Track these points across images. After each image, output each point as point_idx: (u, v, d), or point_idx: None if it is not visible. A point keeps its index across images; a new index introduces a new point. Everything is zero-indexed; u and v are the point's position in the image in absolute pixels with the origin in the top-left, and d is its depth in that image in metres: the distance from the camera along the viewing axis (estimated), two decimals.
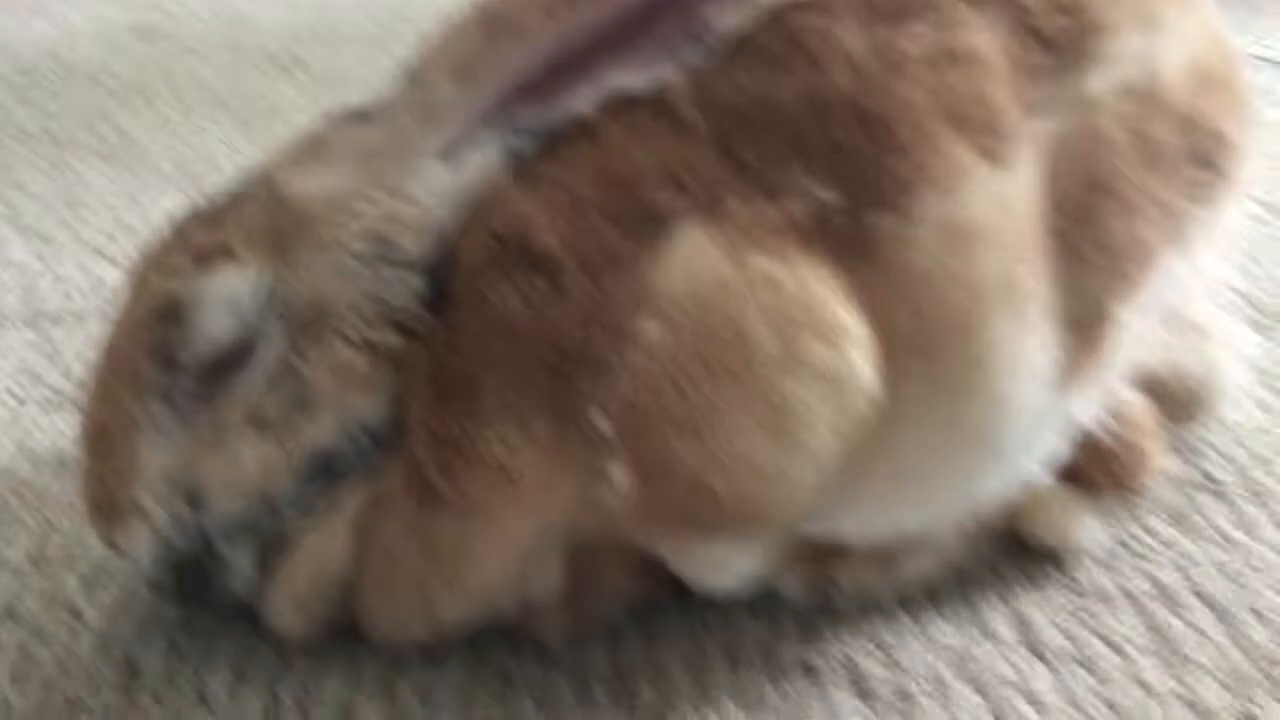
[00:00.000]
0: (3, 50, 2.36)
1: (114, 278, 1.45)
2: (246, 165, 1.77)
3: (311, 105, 2.04)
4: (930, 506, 0.86)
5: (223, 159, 1.81)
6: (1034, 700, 0.83)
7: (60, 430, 1.16)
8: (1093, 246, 0.82)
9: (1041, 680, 0.84)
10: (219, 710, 0.84)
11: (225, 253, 0.80)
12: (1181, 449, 1.03)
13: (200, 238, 0.82)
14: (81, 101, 2.07)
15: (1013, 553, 0.94)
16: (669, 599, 0.91)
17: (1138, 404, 0.93)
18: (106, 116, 2.00)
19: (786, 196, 0.77)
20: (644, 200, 0.78)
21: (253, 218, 0.81)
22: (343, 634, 0.88)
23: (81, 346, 1.30)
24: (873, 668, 0.85)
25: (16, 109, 2.03)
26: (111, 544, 0.86)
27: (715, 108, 0.79)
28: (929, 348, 0.78)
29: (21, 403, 1.21)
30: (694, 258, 0.76)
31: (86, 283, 1.44)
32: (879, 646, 0.87)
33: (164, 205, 1.65)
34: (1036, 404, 0.82)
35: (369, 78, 2.29)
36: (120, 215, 1.63)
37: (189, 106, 2.05)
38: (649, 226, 0.77)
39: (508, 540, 0.80)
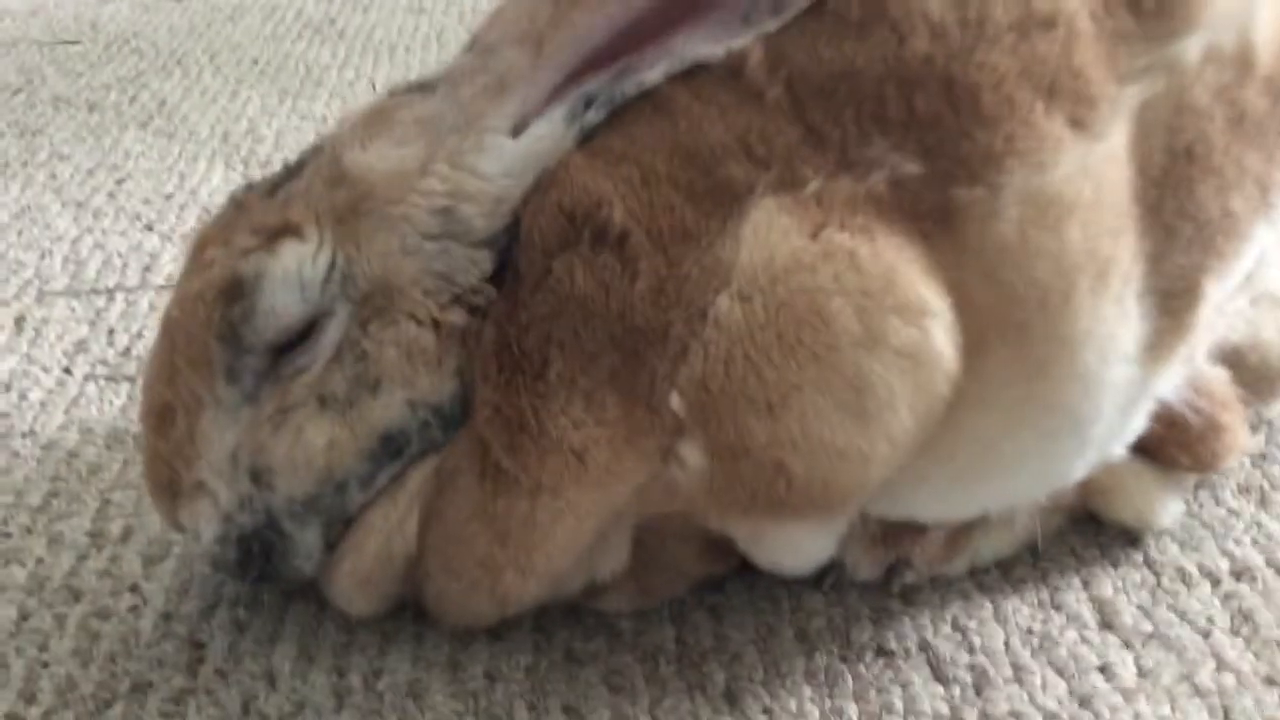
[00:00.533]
0: (40, 19, 2.35)
1: (156, 247, 1.44)
2: (285, 130, 1.77)
3: (348, 69, 2.03)
4: (1011, 488, 0.84)
5: (262, 126, 1.80)
6: (1116, 682, 0.81)
7: (110, 402, 1.16)
8: (1183, 219, 0.79)
9: (1122, 662, 0.82)
10: (286, 690, 0.83)
11: (290, 230, 0.78)
12: (1259, 424, 1.01)
13: (263, 214, 0.80)
14: (119, 69, 2.05)
15: (1089, 531, 0.92)
16: (736, 578, 0.90)
17: (1219, 378, 0.91)
18: (145, 84, 1.98)
19: (867, 169, 0.75)
20: (719, 174, 0.75)
21: (317, 194, 0.79)
22: (408, 612, 0.87)
23: (128, 318, 1.29)
24: (950, 650, 0.84)
25: (55, 78, 2.02)
26: (175, 523, 0.85)
27: (792, 77, 0.77)
28: (1014, 324, 0.76)
29: (70, 374, 1.20)
30: (771, 233, 0.74)
31: (130, 253, 1.43)
32: (955, 628, 0.85)
33: (204, 172, 1.64)
34: (1123, 382, 0.79)
35: (404, 40, 2.28)
36: (161, 184, 1.61)
37: (226, 73, 2.03)
38: (724, 201, 0.75)
39: (577, 521, 0.78)
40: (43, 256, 1.43)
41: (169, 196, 1.58)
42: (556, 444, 0.76)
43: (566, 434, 0.75)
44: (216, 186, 1.60)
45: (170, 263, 1.41)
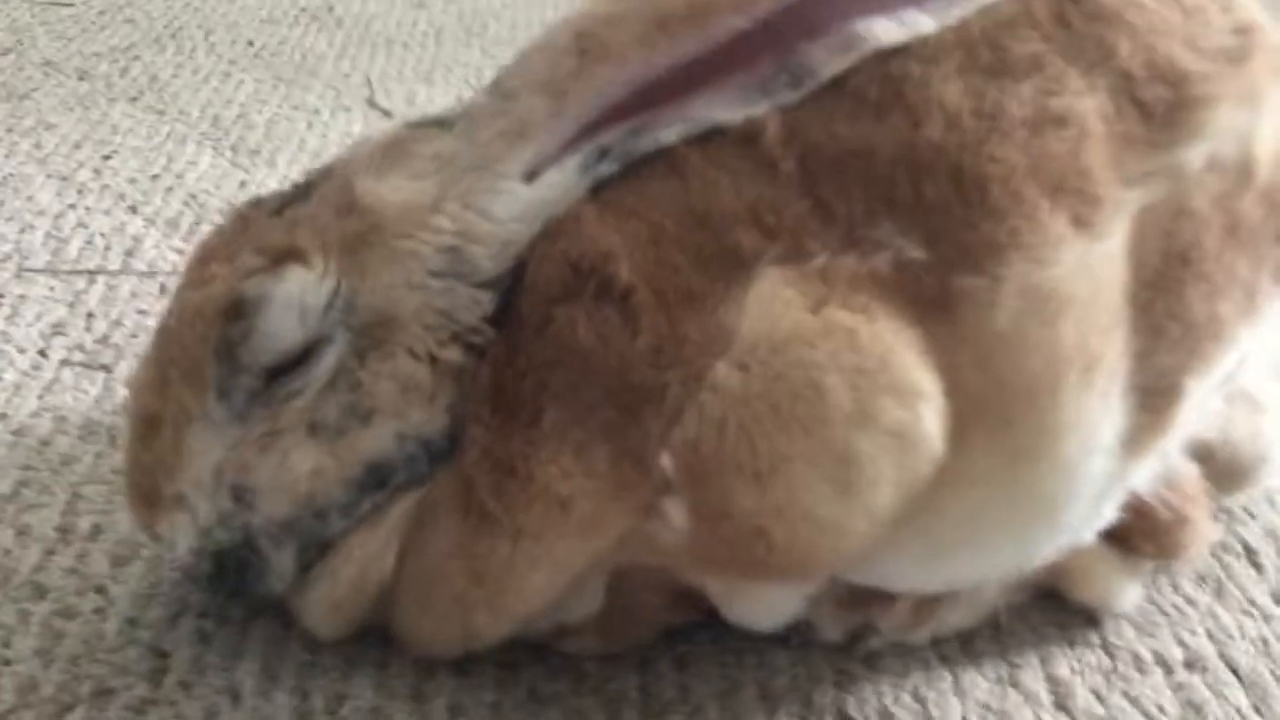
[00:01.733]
0: None
1: (140, 230, 1.43)
2: (276, 120, 1.76)
3: (344, 60, 2.02)
4: (982, 566, 0.86)
5: (254, 112, 1.79)
6: None
7: (85, 391, 1.15)
8: (1171, 320, 0.81)
9: None
10: (248, 707, 0.84)
11: (296, 255, 0.78)
12: (1222, 517, 1.03)
13: (270, 234, 0.80)
14: (112, 38, 2.03)
15: (1051, 610, 0.94)
16: (702, 628, 0.91)
17: (1189, 473, 0.93)
18: (137, 56, 1.96)
19: (872, 249, 0.76)
20: (727, 240, 0.76)
21: (326, 220, 0.80)
22: (373, 636, 0.87)
23: (107, 303, 1.28)
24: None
25: (46, 41, 1.99)
26: (150, 531, 0.85)
27: (806, 151, 0.78)
28: (1001, 412, 0.77)
29: (45, 357, 1.19)
30: (774, 304, 0.75)
31: (113, 234, 1.42)
32: (915, 699, 0.87)
33: (192, 155, 1.63)
34: (1100, 473, 0.81)
35: (402, 35, 2.28)
36: (148, 164, 1.60)
37: (220, 52, 2.02)
38: (730, 267, 0.76)
39: (555, 567, 0.79)
40: (23, 230, 1.41)
41: (155, 178, 1.57)
42: (543, 491, 0.76)
43: (554, 482, 0.76)
44: (204, 172, 1.59)
45: (152, 248, 1.40)
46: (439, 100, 1.88)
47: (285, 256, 0.78)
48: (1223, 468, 0.95)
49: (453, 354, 0.80)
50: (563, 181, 0.79)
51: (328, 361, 0.79)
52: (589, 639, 0.88)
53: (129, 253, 1.38)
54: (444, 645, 0.84)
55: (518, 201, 0.79)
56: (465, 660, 0.87)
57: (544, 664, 0.88)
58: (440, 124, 0.82)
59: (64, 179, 1.54)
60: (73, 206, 1.47)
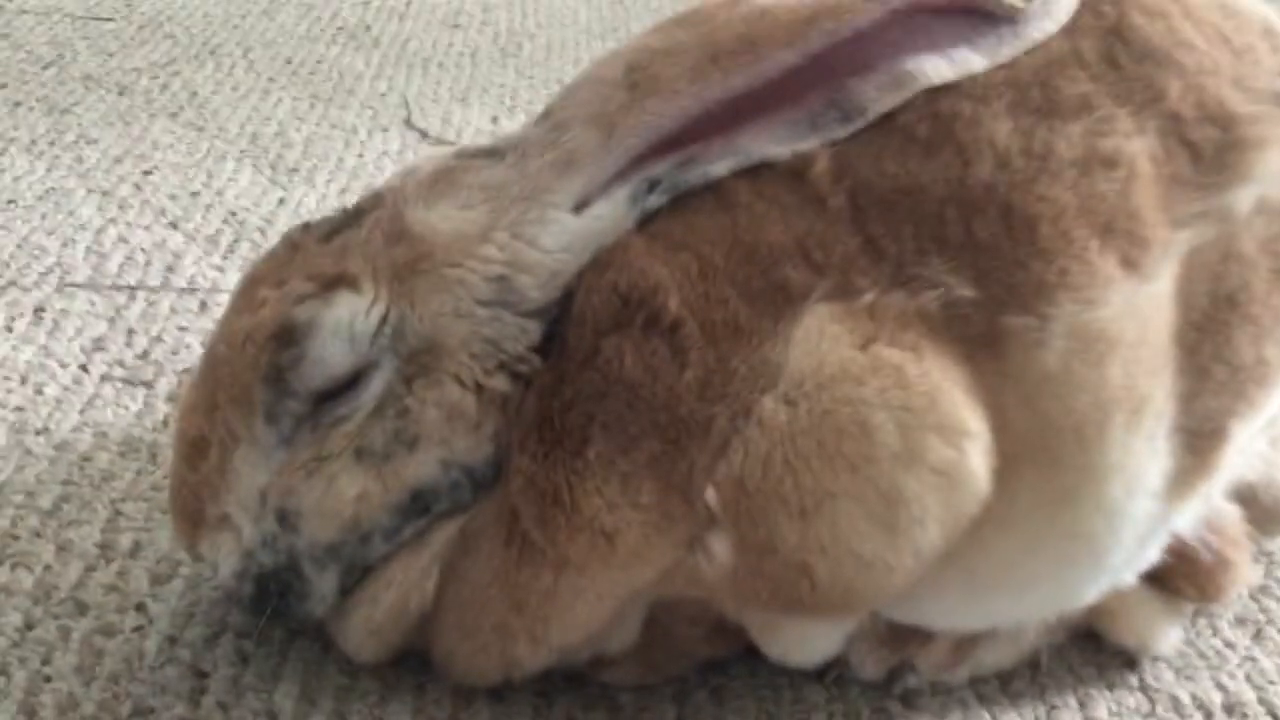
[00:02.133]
0: None
1: (180, 246, 1.44)
2: (314, 138, 1.77)
3: (380, 80, 2.03)
4: (1024, 606, 0.85)
5: (291, 130, 1.80)
6: None
7: (126, 407, 1.16)
8: (1218, 363, 0.81)
9: None
10: None
11: (347, 281, 0.79)
12: (1263, 559, 1.02)
13: (320, 260, 0.81)
14: (152, 53, 2.05)
15: (1089, 650, 0.94)
16: (739, 662, 0.91)
17: (1231, 515, 0.92)
18: (177, 72, 1.98)
19: (921, 287, 0.76)
20: (775, 275, 0.77)
21: (376, 247, 0.80)
22: (411, 661, 0.88)
23: (147, 320, 1.29)
24: None
25: (87, 55, 2.01)
26: (193, 552, 0.85)
27: (855, 187, 0.78)
28: (1047, 452, 0.77)
29: (87, 372, 1.20)
30: (822, 340, 0.75)
31: (154, 250, 1.43)
32: None
33: (232, 172, 1.64)
34: (1144, 515, 0.81)
35: (438, 55, 2.29)
36: (188, 180, 1.62)
37: (259, 69, 2.03)
38: (778, 302, 0.76)
39: (597, 599, 0.79)
40: (65, 245, 1.43)
41: (195, 194, 1.58)
42: (588, 522, 0.76)
43: (599, 514, 0.76)
44: (243, 189, 1.60)
45: (192, 265, 1.41)
46: (475, 120, 1.89)
47: (336, 283, 0.79)
48: (1266, 511, 0.94)
49: (499, 383, 0.80)
50: (612, 213, 0.80)
51: (375, 388, 0.79)
52: (626, 670, 0.88)
53: (169, 269, 1.40)
54: (482, 673, 0.85)
55: (566, 232, 0.80)
56: (502, 689, 0.87)
57: (580, 694, 0.88)
58: (490, 154, 0.83)
59: (105, 194, 1.56)
60: (113, 221, 1.49)
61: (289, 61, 2.08)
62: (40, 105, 1.80)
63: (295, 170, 1.67)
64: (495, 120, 1.90)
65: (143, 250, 1.43)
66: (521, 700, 0.87)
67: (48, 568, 0.95)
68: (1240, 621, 0.98)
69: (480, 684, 0.86)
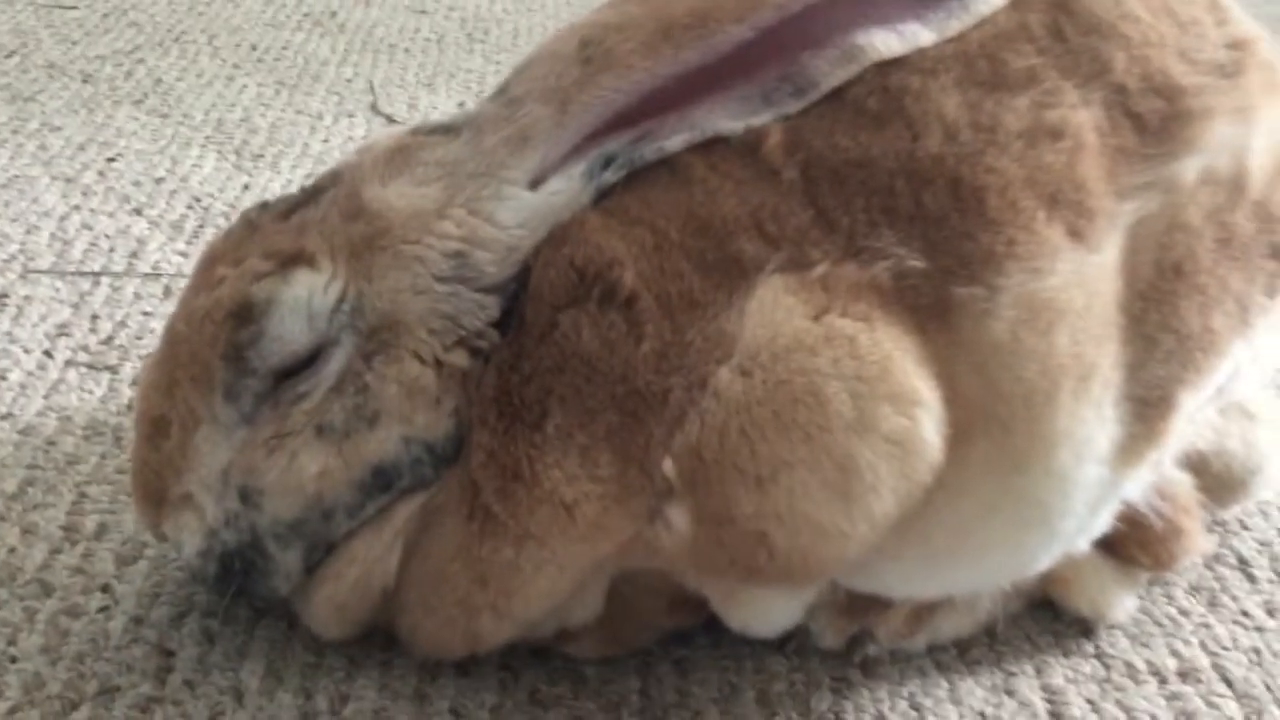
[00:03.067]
0: None
1: (144, 232, 1.44)
2: (280, 124, 1.77)
3: (346, 66, 2.03)
4: (979, 573, 0.87)
5: (257, 116, 1.79)
6: None
7: (90, 391, 1.16)
8: (1165, 332, 0.82)
9: None
10: (252, 707, 0.84)
11: (305, 259, 0.79)
12: (1217, 529, 1.04)
13: (278, 238, 0.81)
14: (116, 41, 2.04)
15: (1046, 619, 0.95)
16: (702, 633, 0.92)
17: (1182, 484, 0.94)
18: (141, 59, 1.97)
19: (872, 258, 0.77)
20: (730, 248, 0.77)
21: (333, 225, 0.81)
22: (377, 638, 0.88)
23: (111, 305, 1.29)
24: None
25: (50, 43, 2.00)
26: (157, 532, 0.85)
27: (808, 160, 0.79)
28: (998, 420, 0.78)
29: (51, 358, 1.20)
30: (776, 311, 0.76)
31: (118, 236, 1.42)
32: (911, 706, 0.88)
33: (196, 159, 1.64)
34: (1094, 482, 0.82)
35: (404, 41, 2.28)
36: (152, 166, 1.61)
37: (223, 56, 2.02)
38: (732, 274, 0.77)
39: (559, 571, 0.80)
40: (29, 232, 1.42)
41: (159, 181, 1.58)
42: (548, 495, 0.77)
43: (559, 486, 0.77)
44: (207, 175, 1.60)
45: (156, 250, 1.41)
46: (441, 105, 1.89)
47: (294, 260, 0.79)
48: (1216, 479, 0.96)
49: (458, 358, 0.81)
50: (568, 188, 0.80)
51: (335, 365, 0.80)
52: (590, 643, 0.89)
53: (133, 255, 1.39)
54: (447, 647, 0.85)
55: (523, 208, 0.80)
56: (468, 663, 0.88)
57: (545, 667, 0.89)
58: (446, 130, 0.83)
59: (69, 181, 1.55)
60: (77, 208, 1.48)
61: (254, 48, 2.07)
62: (3, 93, 1.79)
63: (260, 156, 1.67)
64: (462, 105, 1.90)
65: (107, 236, 1.43)
66: (487, 674, 0.88)
67: (12, 550, 0.96)
68: (1195, 589, 1.00)
69: (446, 658, 0.87)
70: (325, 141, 1.73)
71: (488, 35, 2.24)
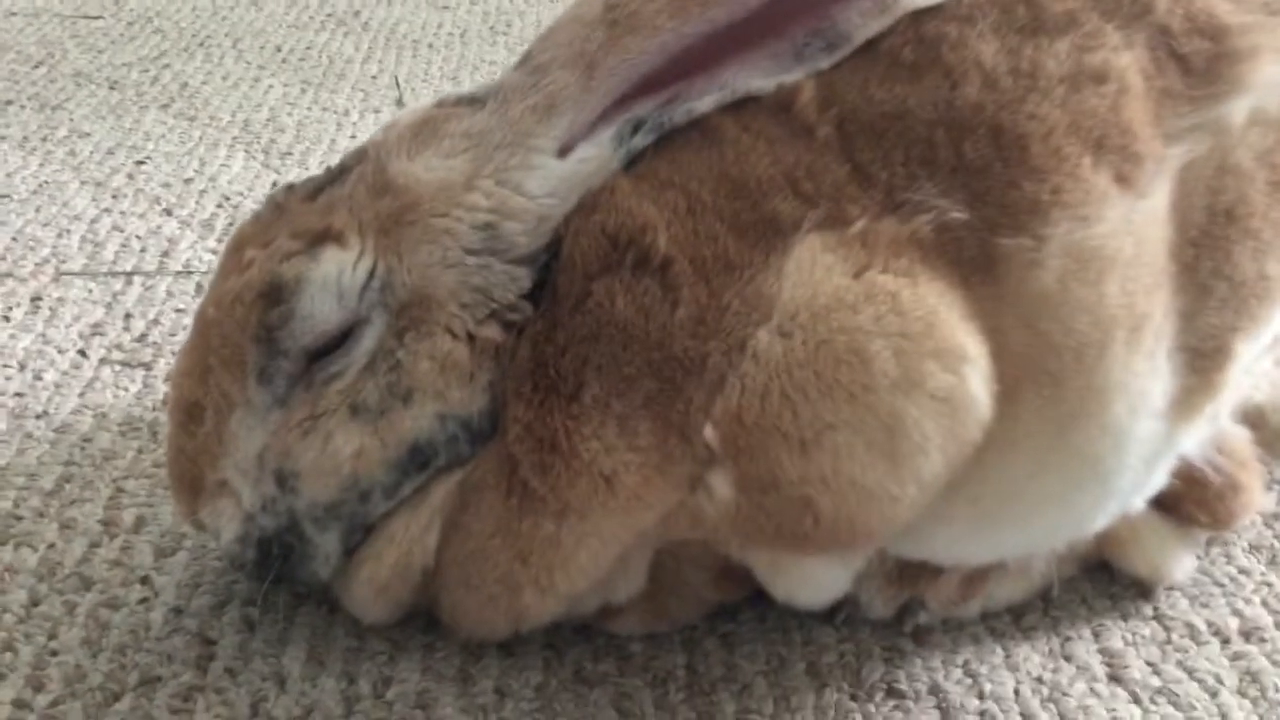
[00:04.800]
0: None
1: (175, 232, 1.44)
2: (306, 122, 1.77)
3: (371, 63, 2.03)
4: (1032, 535, 0.84)
5: (283, 115, 1.79)
6: None
7: (125, 389, 1.15)
8: (1218, 279, 0.80)
9: (1130, 716, 0.82)
10: (295, 693, 0.83)
11: (333, 236, 0.78)
12: (1272, 484, 1.01)
13: (305, 218, 0.80)
14: (141, 48, 2.05)
15: (1101, 581, 0.93)
16: (749, 608, 0.90)
17: (1240, 438, 0.91)
18: (167, 64, 1.98)
19: (913, 211, 0.75)
20: (765, 208, 0.76)
21: (361, 201, 0.79)
22: (419, 621, 0.87)
23: (144, 303, 1.29)
24: (960, 695, 0.84)
25: (76, 53, 2.01)
26: (194, 520, 0.85)
27: (843, 115, 0.77)
28: (1048, 374, 0.76)
29: (85, 356, 1.20)
30: (814, 270, 0.74)
31: (149, 236, 1.42)
32: (966, 673, 0.85)
33: (224, 159, 1.64)
34: (1149, 436, 0.80)
35: (427, 36, 2.28)
36: (181, 168, 1.61)
37: (248, 59, 2.02)
38: (768, 235, 0.75)
39: (601, 544, 0.78)
40: (60, 235, 1.42)
41: (188, 181, 1.58)
42: (587, 467, 0.76)
43: (598, 458, 0.75)
44: (236, 174, 1.60)
45: (188, 249, 1.40)
46: None
47: (321, 239, 0.78)
48: (1276, 433, 0.93)
49: (491, 331, 0.79)
50: (597, 155, 0.79)
51: (367, 343, 0.79)
52: (635, 619, 0.87)
53: (164, 254, 1.39)
54: (490, 627, 0.84)
55: (552, 176, 0.79)
56: (512, 643, 0.86)
57: (590, 645, 0.88)
58: (472, 101, 0.82)
59: (99, 185, 1.55)
60: (108, 211, 1.48)
61: (279, 49, 2.07)
62: (31, 103, 1.80)
63: (288, 154, 1.67)
64: None
65: (138, 237, 1.43)
66: (531, 653, 0.87)
67: (51, 546, 0.95)
68: (1255, 548, 0.97)
69: (489, 638, 0.86)
70: (352, 138, 1.72)
71: (510, 28, 2.23)
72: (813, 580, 0.85)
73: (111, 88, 1.88)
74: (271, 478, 0.80)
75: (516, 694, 0.84)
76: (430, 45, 2.12)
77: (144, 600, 0.90)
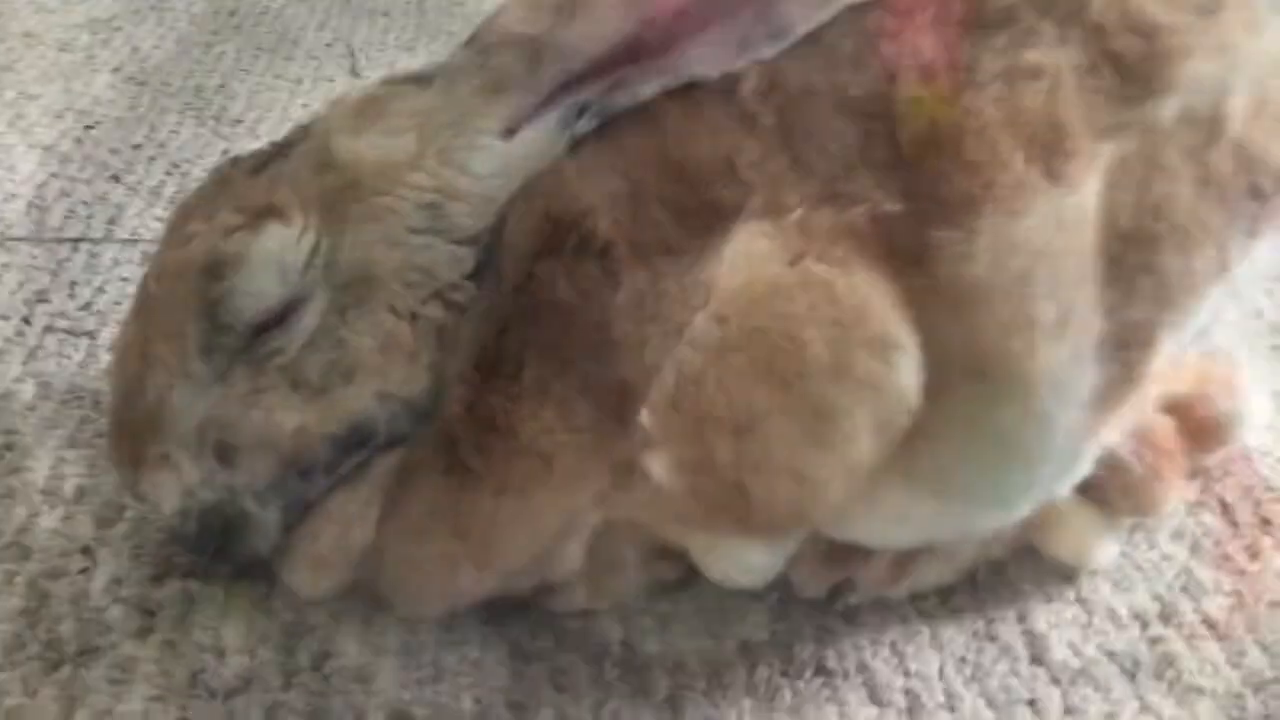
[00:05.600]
0: None
1: (123, 199, 1.43)
2: (258, 90, 1.75)
3: (325, 31, 2.01)
4: (959, 520, 0.86)
5: (235, 83, 1.77)
6: (1043, 717, 0.84)
7: (69, 357, 1.15)
8: (1145, 273, 0.82)
9: (1050, 697, 0.85)
10: (234, 665, 0.84)
11: (275, 212, 0.78)
12: (1195, 473, 1.04)
13: (248, 192, 0.80)
14: (93, 9, 2.02)
15: (1027, 564, 0.95)
16: (684, 586, 0.92)
17: (1164, 427, 0.94)
18: (119, 28, 1.95)
19: (849, 202, 0.77)
20: (706, 194, 0.77)
21: (305, 178, 0.80)
22: (359, 596, 0.88)
23: (90, 271, 1.28)
24: (886, 674, 0.86)
25: (28, 13, 1.98)
26: (136, 492, 0.85)
27: (784, 105, 0.78)
28: (977, 364, 0.78)
29: (29, 324, 1.19)
30: (752, 257, 0.76)
31: (96, 203, 1.41)
32: (893, 652, 0.88)
33: (174, 125, 1.62)
34: (1074, 425, 0.82)
35: (383, 4, 2.24)
36: (131, 133, 1.59)
37: (200, 23, 2.00)
38: (709, 221, 0.77)
39: (538, 523, 0.80)
40: (6, 200, 1.40)
41: (137, 147, 1.56)
42: (525, 447, 0.77)
43: (536, 438, 0.77)
44: (186, 141, 1.59)
45: (135, 216, 1.39)
46: None
47: (264, 214, 0.78)
48: (1198, 424, 0.96)
49: (434, 311, 0.80)
50: (542, 137, 0.80)
51: (309, 319, 0.79)
52: (572, 596, 0.89)
53: (111, 221, 1.38)
54: (428, 603, 0.85)
55: (496, 158, 0.80)
56: (449, 619, 0.88)
57: (527, 621, 0.89)
58: (418, 80, 0.82)
59: (46, 149, 1.53)
60: (55, 176, 1.47)
61: (232, 14, 2.05)
62: None
63: (239, 121, 1.65)
64: None
65: (85, 203, 1.41)
66: (469, 628, 0.88)
67: None
68: (1177, 535, 1.00)
69: (427, 614, 0.87)
70: (305, 106, 1.71)
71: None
72: (747, 561, 0.86)
73: (62, 49, 1.85)
74: (211, 451, 0.81)
75: (454, 668, 0.85)
76: (386, 13, 2.10)
77: (84, 570, 0.91)
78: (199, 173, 1.50)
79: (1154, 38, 0.81)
